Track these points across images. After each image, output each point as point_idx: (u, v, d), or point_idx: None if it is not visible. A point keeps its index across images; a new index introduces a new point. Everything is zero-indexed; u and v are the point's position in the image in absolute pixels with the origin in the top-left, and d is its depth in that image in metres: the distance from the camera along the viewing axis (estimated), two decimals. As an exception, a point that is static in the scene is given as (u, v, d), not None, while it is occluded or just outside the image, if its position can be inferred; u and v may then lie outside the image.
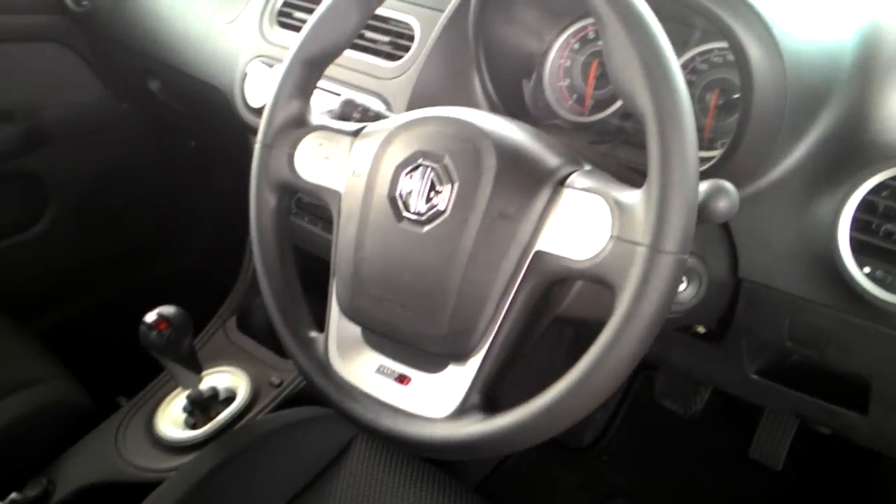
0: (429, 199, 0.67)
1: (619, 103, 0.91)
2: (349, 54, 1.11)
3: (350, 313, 0.72)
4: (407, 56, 1.02)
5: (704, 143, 0.85)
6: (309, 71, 0.78)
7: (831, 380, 0.86)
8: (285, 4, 1.22)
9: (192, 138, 1.94)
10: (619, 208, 0.59)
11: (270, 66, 1.18)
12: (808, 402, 0.89)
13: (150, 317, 0.97)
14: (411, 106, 1.00)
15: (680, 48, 0.87)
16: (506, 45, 0.95)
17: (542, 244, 0.63)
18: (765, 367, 0.91)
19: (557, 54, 0.97)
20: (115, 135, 1.86)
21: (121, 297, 1.88)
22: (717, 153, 0.80)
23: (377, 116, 0.87)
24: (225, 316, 1.42)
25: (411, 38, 1.03)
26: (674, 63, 0.57)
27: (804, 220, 0.76)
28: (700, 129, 0.85)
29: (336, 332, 0.74)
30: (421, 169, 0.68)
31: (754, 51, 0.73)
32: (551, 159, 0.65)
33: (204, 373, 1.12)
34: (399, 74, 1.02)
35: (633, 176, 0.73)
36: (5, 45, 1.63)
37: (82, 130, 1.79)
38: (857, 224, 0.72)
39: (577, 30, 0.95)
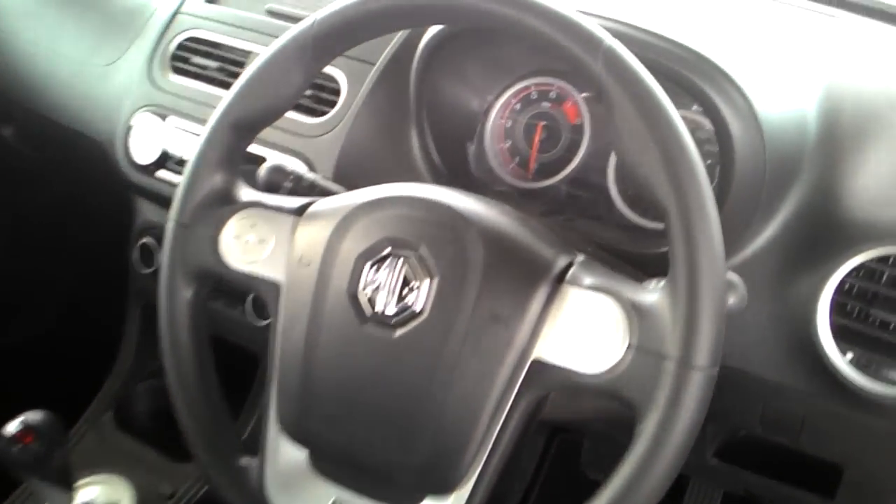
0: (401, 298, 0.56)
1: (568, 169, 0.85)
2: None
3: (296, 434, 0.60)
4: (333, 112, 0.91)
5: (652, 211, 0.80)
6: (238, 137, 0.66)
7: (793, 460, 0.82)
8: (182, 47, 1.07)
9: (47, 189, 1.71)
10: (636, 313, 0.51)
11: (163, 117, 1.03)
12: (770, 485, 0.84)
13: (12, 427, 0.78)
14: (339, 169, 0.89)
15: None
16: (449, 103, 0.86)
17: (541, 351, 0.54)
18: (723, 448, 0.87)
19: (498, 114, 0.90)
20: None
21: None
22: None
23: (313, 187, 0.75)
24: (99, 411, 1.18)
25: (337, 92, 0.92)
26: (696, 153, 0.51)
27: (781, 302, 0.72)
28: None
29: (275, 458, 0.62)
30: (391, 260, 0.57)
31: (736, 125, 0.68)
32: (545, 250, 0.56)
33: (76, 484, 0.93)
34: (324, 132, 0.91)
35: (620, 264, 0.66)
36: None
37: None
38: (837, 307, 0.68)
39: (520, 89, 0.88)
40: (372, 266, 0.58)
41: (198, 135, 1.00)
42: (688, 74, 0.68)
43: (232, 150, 0.66)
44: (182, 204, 0.66)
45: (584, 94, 0.85)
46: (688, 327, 0.49)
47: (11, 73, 1.26)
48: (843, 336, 0.68)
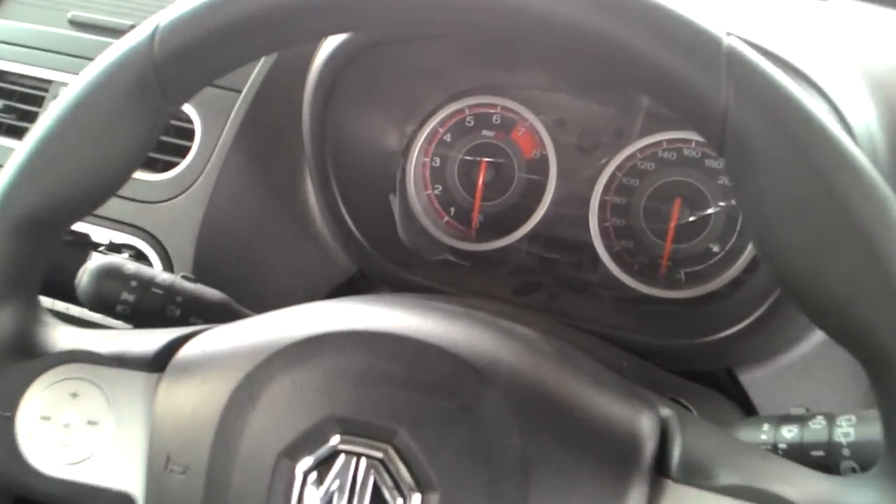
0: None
1: (531, 223, 0.62)
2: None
3: None
4: (186, 163, 0.64)
5: (660, 278, 0.59)
6: (33, 241, 0.38)
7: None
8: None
9: None
10: None
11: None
12: None
13: None
14: (202, 249, 0.62)
15: (612, 139, 0.60)
16: (360, 140, 0.61)
17: None
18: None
19: (422, 150, 0.65)
20: None
21: None
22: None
23: (170, 297, 0.48)
24: None
25: (188, 134, 0.65)
26: None
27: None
28: (655, 259, 0.59)
29: None
30: (343, 461, 0.32)
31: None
32: (621, 411, 0.33)
33: None
34: (174, 194, 0.63)
35: (684, 385, 0.45)
36: None
37: None
38: None
39: (450, 115, 0.65)
40: (308, 473, 0.33)
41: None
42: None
43: (22, 267, 0.38)
44: None
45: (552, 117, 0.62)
46: None
47: None
48: None
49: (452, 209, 0.66)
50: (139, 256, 0.64)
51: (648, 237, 0.58)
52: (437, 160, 0.66)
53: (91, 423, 0.37)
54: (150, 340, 0.39)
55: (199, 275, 0.62)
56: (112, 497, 0.37)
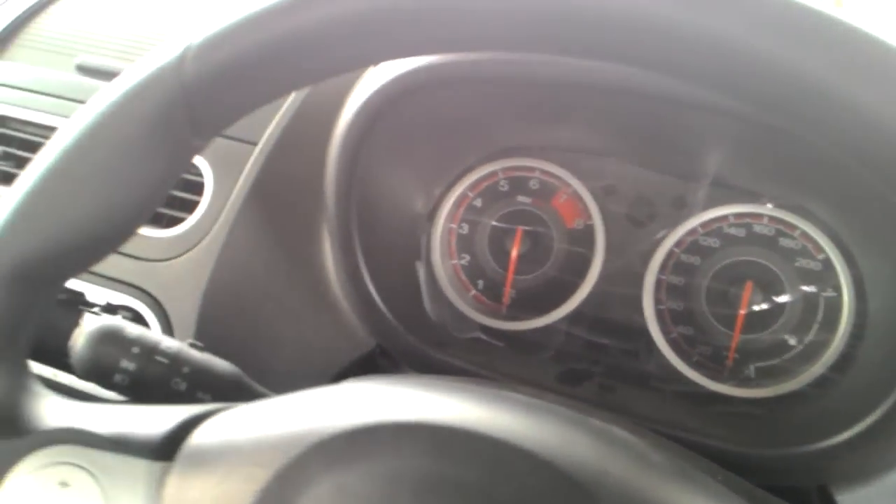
0: None
1: (573, 301, 0.56)
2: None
3: None
4: (194, 219, 0.59)
5: (726, 372, 0.53)
6: (23, 301, 0.32)
7: None
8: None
9: None
10: None
11: None
12: None
13: None
14: (206, 315, 0.56)
15: (670, 211, 0.55)
16: (387, 202, 0.56)
17: None
18: None
19: (449, 215, 0.60)
20: None
21: None
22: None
23: (175, 369, 0.42)
24: None
25: (198, 188, 0.60)
26: None
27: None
28: (720, 350, 0.53)
29: None
30: None
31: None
32: None
33: None
34: (180, 252, 0.58)
35: None
36: None
37: None
38: None
39: (481, 178, 0.60)
40: None
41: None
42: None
43: (12, 325, 0.32)
44: None
45: (599, 183, 0.56)
46: None
47: None
48: None
49: (481, 282, 0.60)
50: (137, 319, 0.58)
51: (712, 324, 0.52)
52: (466, 227, 0.61)
53: None
54: (156, 420, 0.32)
55: (202, 342, 0.56)
56: None
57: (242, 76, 0.29)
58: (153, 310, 0.57)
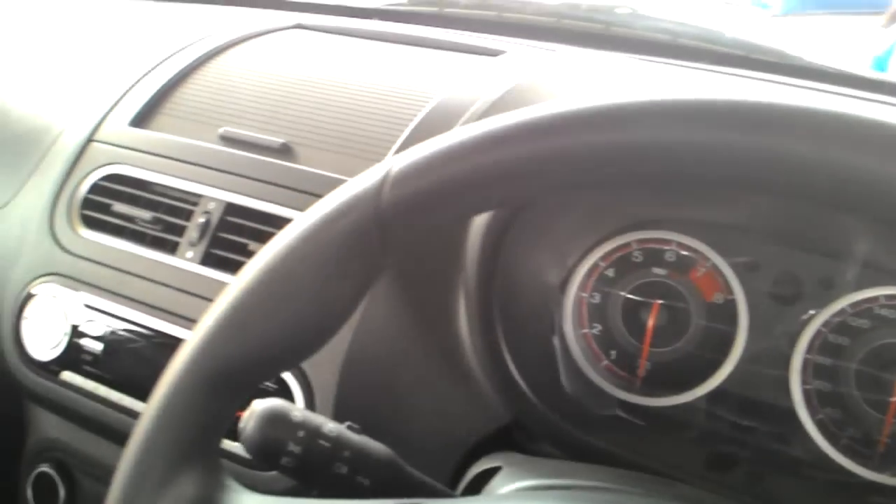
0: None
1: (715, 379, 0.55)
2: (210, 274, 0.68)
3: None
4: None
5: (876, 458, 0.50)
6: (222, 403, 0.35)
7: None
8: (97, 190, 0.76)
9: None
10: None
11: (75, 290, 0.71)
12: None
13: None
14: (345, 383, 0.58)
15: (818, 290, 0.53)
16: (526, 277, 0.57)
17: None
18: None
19: (581, 285, 0.60)
20: None
21: None
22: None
23: (338, 453, 0.43)
24: None
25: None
26: None
27: None
28: (870, 435, 0.51)
29: None
30: None
31: None
32: None
33: None
34: (320, 323, 0.60)
35: None
36: None
37: None
38: None
39: (614, 249, 0.60)
40: None
41: (123, 319, 0.71)
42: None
43: (212, 427, 0.35)
44: None
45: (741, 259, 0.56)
46: None
47: None
48: None
49: (613, 352, 0.60)
50: (281, 385, 0.61)
51: (862, 408, 0.50)
52: (597, 296, 0.60)
53: None
54: None
55: (341, 410, 0.58)
56: None
57: (433, 204, 0.31)
58: (297, 378, 0.60)
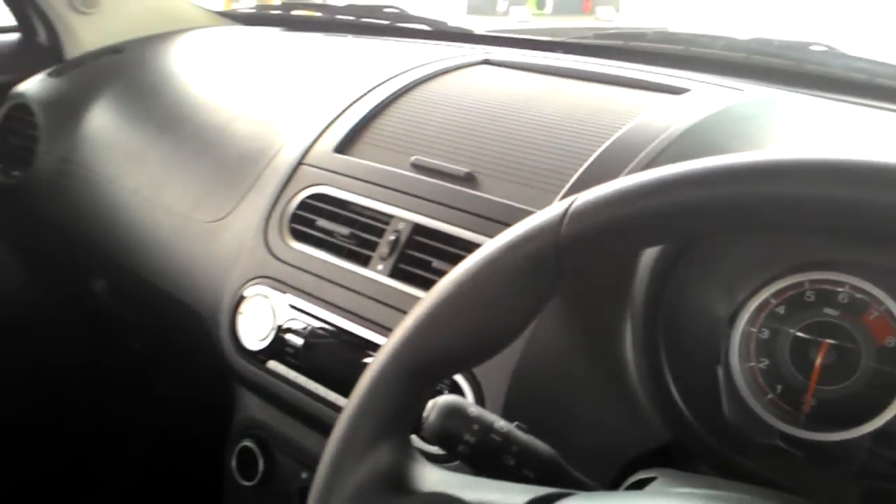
0: None
1: (881, 420, 0.55)
2: (397, 286, 0.76)
3: None
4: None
5: None
6: (415, 388, 0.42)
7: None
8: (305, 206, 0.86)
9: (135, 338, 1.53)
10: None
11: (283, 293, 0.81)
12: None
13: None
14: (513, 392, 0.63)
15: None
16: (695, 310, 0.60)
17: None
18: None
19: (749, 321, 0.62)
20: (39, 331, 1.45)
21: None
22: None
23: (507, 446, 0.49)
24: None
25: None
26: None
27: None
28: None
29: None
30: None
31: None
32: None
33: None
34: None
35: None
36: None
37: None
38: None
39: (786, 287, 0.61)
40: None
41: (320, 319, 0.80)
42: None
43: (406, 408, 0.42)
44: (325, 492, 0.41)
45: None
46: None
47: (106, 223, 1.09)
48: None
49: (779, 387, 0.61)
50: (454, 387, 0.67)
51: None
52: (766, 332, 0.62)
53: None
54: (511, 496, 0.39)
55: (508, 414, 0.63)
56: None
57: (605, 239, 0.36)
58: (469, 383, 0.66)
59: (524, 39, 1.28)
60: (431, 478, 0.41)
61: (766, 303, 0.62)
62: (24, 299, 1.40)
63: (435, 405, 0.51)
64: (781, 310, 0.61)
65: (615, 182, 0.38)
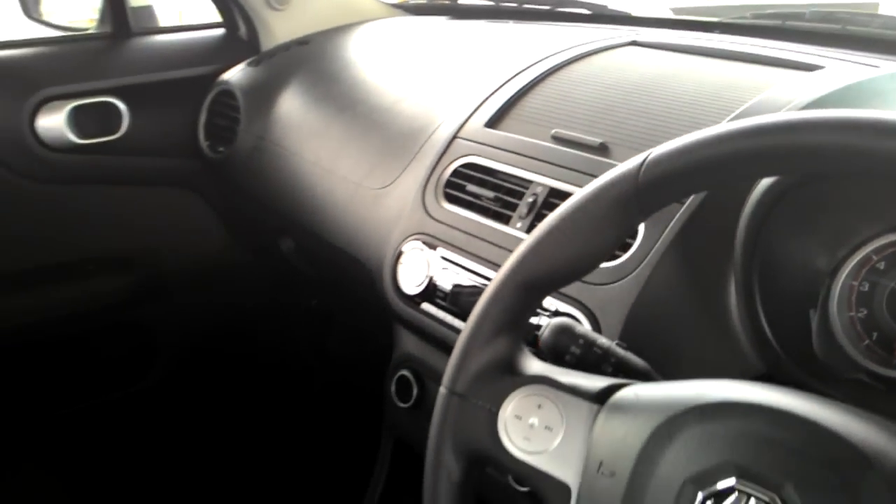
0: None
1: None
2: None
3: None
4: (626, 256, 0.76)
5: None
6: (527, 298, 0.54)
7: None
8: (457, 174, 0.99)
9: (313, 297, 1.74)
10: None
11: (433, 247, 0.95)
12: None
13: None
14: (629, 327, 0.72)
15: None
16: (789, 260, 0.67)
17: None
18: None
19: (851, 274, 0.68)
20: (234, 288, 1.70)
21: (220, 459, 1.65)
22: None
23: (605, 358, 0.59)
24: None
25: (633, 233, 0.77)
26: None
27: None
28: None
29: None
30: (736, 497, 0.39)
31: None
32: None
33: None
34: (613, 280, 0.75)
35: None
36: (132, 188, 1.51)
37: (202, 282, 1.63)
38: None
39: (886, 244, 0.66)
40: (706, 499, 0.40)
41: (467, 269, 0.93)
42: None
43: (519, 313, 0.54)
44: (457, 370, 0.54)
45: None
46: None
47: (292, 191, 1.27)
48: None
49: (875, 334, 0.67)
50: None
51: None
52: (867, 284, 0.68)
53: (548, 428, 0.50)
54: (595, 381, 0.50)
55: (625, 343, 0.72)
56: (554, 484, 0.48)
57: (676, 182, 0.46)
58: (588, 319, 0.76)
59: (682, 20, 1.32)
60: (535, 366, 0.53)
61: (867, 258, 0.67)
62: (227, 259, 1.64)
63: (549, 324, 0.62)
64: (882, 265, 0.67)
65: (685, 136, 0.48)
